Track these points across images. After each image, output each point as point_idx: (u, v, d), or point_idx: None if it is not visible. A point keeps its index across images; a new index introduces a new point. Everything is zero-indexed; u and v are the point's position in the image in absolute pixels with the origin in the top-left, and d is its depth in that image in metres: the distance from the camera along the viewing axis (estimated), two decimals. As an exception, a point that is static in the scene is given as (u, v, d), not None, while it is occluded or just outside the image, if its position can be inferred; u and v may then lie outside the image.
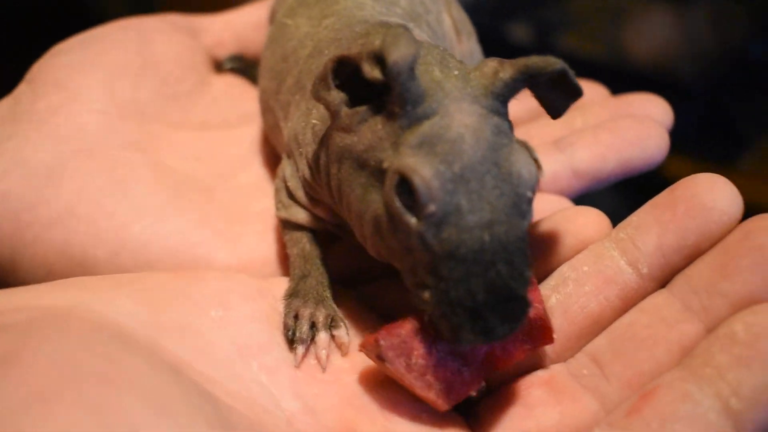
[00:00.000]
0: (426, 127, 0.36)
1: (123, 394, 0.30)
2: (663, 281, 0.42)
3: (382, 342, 0.38)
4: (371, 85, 0.37)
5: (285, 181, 0.46)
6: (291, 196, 0.46)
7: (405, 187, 0.36)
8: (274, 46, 0.50)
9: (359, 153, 0.38)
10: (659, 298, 0.41)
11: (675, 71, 1.34)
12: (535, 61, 0.38)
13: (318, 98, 0.40)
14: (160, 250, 0.46)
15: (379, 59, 0.36)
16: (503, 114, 0.39)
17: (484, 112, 0.37)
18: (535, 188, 0.37)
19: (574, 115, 0.56)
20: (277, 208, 0.47)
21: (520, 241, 0.36)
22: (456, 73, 0.39)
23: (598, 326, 0.42)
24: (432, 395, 0.38)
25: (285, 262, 0.47)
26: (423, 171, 0.35)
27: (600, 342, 0.42)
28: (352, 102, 0.39)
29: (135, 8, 0.71)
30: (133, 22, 0.56)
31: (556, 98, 0.41)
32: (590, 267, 0.43)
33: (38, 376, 0.29)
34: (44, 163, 0.47)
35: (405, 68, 0.36)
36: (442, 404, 0.38)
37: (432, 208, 0.35)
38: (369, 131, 0.38)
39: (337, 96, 0.39)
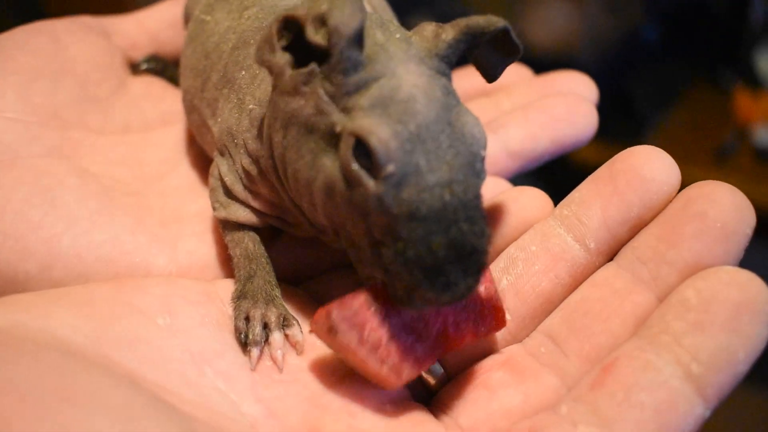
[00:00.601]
0: (375, 89, 0.36)
1: (88, 412, 0.29)
2: (610, 255, 0.43)
3: (334, 313, 0.37)
4: (317, 51, 0.37)
5: (221, 179, 0.45)
6: (228, 193, 0.45)
7: (362, 149, 0.35)
8: (194, 45, 0.49)
9: (307, 117, 0.37)
10: (608, 271, 0.42)
11: (574, 56, 1.37)
12: (477, 20, 0.38)
13: (262, 61, 0.38)
14: (94, 260, 0.44)
15: (324, 22, 0.35)
16: (448, 76, 0.39)
17: (431, 72, 0.37)
18: (485, 146, 0.37)
19: (501, 96, 0.57)
20: (215, 208, 0.45)
21: (477, 198, 0.36)
22: (398, 36, 0.38)
23: (550, 304, 0.42)
24: (384, 371, 0.37)
25: (226, 264, 0.46)
26: (380, 132, 0.35)
27: (554, 319, 0.42)
28: (297, 64, 0.38)
29: (22, 16, 0.68)
30: (43, 25, 0.53)
31: (494, 59, 0.41)
32: (538, 246, 0.43)
33: None
34: None
35: (349, 32, 0.35)
36: (394, 380, 0.37)
37: (391, 168, 0.34)
38: (316, 94, 0.37)
39: (282, 57, 0.38)
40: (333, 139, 0.36)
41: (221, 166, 0.45)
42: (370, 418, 0.38)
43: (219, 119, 0.45)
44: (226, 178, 0.44)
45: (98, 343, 0.35)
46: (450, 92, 0.37)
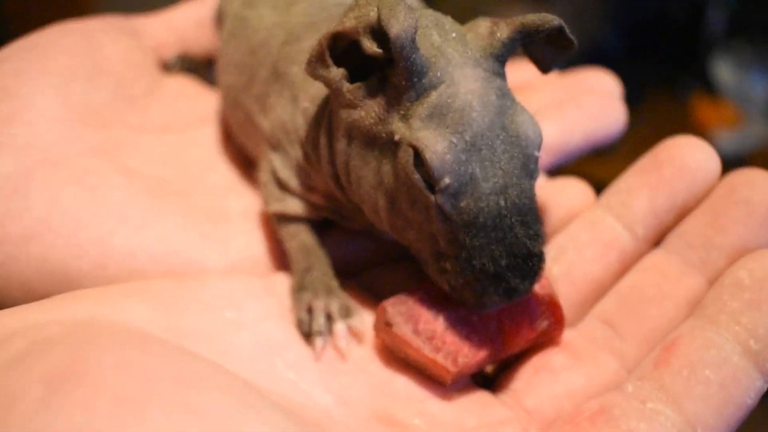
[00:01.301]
0: (434, 97, 0.37)
1: (210, 393, 0.29)
2: (656, 241, 0.44)
3: (389, 308, 0.39)
4: (369, 58, 0.37)
5: (275, 173, 0.45)
6: (283, 187, 0.45)
7: (420, 160, 0.36)
8: (236, 41, 0.49)
9: (368, 127, 0.38)
10: (657, 256, 0.44)
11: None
12: (532, 18, 0.39)
13: (315, 76, 0.39)
14: (147, 258, 0.44)
15: (378, 33, 0.36)
16: (503, 75, 0.40)
17: (486, 75, 0.38)
18: (540, 146, 0.39)
19: (530, 94, 0.58)
20: (268, 203, 0.45)
21: (531, 200, 0.38)
22: (454, 35, 0.39)
23: (602, 290, 0.44)
24: (440, 357, 0.39)
25: (276, 260, 0.46)
26: (436, 145, 0.36)
27: (607, 304, 0.43)
28: (351, 75, 0.39)
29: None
30: (74, 25, 0.52)
31: (549, 54, 0.43)
32: (588, 234, 0.45)
33: (119, 383, 0.28)
34: (6, 176, 0.44)
35: (407, 41, 0.36)
36: (450, 367, 0.39)
37: (447, 180, 0.36)
38: (375, 105, 0.38)
39: (337, 72, 0.38)
40: (394, 147, 0.38)
41: (275, 161, 0.45)
42: (437, 403, 0.39)
43: (271, 115, 0.45)
44: (280, 173, 0.45)
45: (173, 334, 0.35)
46: (505, 93, 0.38)
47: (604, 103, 0.57)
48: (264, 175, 0.46)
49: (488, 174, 0.36)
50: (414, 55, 0.36)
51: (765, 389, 0.37)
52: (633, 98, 1.62)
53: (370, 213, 0.40)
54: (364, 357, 0.41)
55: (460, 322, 0.39)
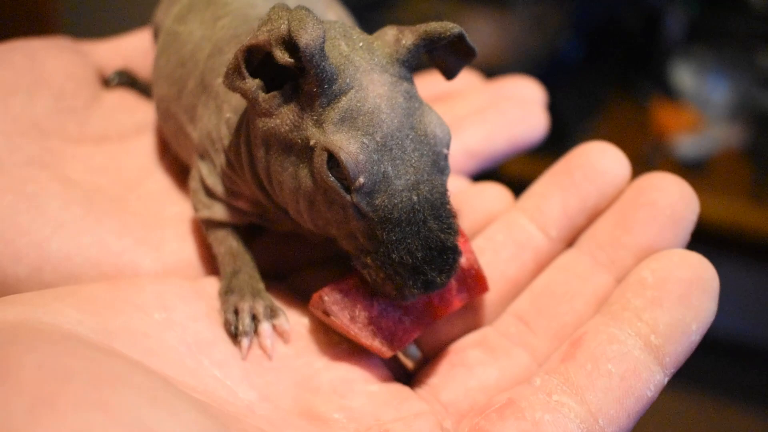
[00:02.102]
0: (344, 102, 0.39)
1: (123, 392, 0.31)
2: (569, 242, 0.47)
3: (326, 298, 0.41)
4: (284, 68, 0.39)
5: (202, 181, 0.47)
6: (210, 194, 0.47)
7: (334, 162, 0.38)
8: (167, 54, 0.51)
9: (284, 134, 0.40)
10: (569, 256, 0.46)
11: (501, 73, 1.41)
12: (434, 26, 0.41)
13: (233, 88, 0.41)
14: (83, 262, 0.46)
15: (289, 44, 0.38)
16: (410, 79, 0.42)
17: (393, 80, 0.40)
18: (449, 143, 0.41)
19: (457, 101, 0.60)
20: (197, 209, 0.47)
21: (443, 195, 0.40)
22: (361, 44, 0.41)
23: (517, 289, 0.46)
24: (376, 343, 0.41)
25: (208, 263, 0.48)
26: (349, 147, 0.38)
27: (522, 302, 0.45)
28: (267, 86, 0.40)
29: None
30: (19, 44, 0.54)
31: (452, 61, 0.44)
32: (504, 236, 0.47)
33: (37, 382, 0.29)
34: None
35: (317, 50, 0.38)
36: (386, 351, 0.41)
37: (362, 180, 0.38)
38: (290, 112, 0.40)
39: (252, 83, 0.40)
40: (310, 152, 0.40)
41: (202, 169, 0.47)
42: (358, 398, 0.41)
43: (198, 124, 0.47)
44: (207, 180, 0.46)
45: (104, 336, 0.37)
46: (412, 95, 0.41)
47: (525, 109, 0.59)
48: (193, 183, 0.48)
49: (400, 172, 0.39)
50: (323, 63, 0.38)
51: (665, 382, 0.39)
52: (593, 103, 1.64)
53: (295, 214, 0.42)
54: (289, 354, 0.43)
55: (391, 305, 0.42)
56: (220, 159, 0.45)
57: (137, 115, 0.57)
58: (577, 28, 1.52)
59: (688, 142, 1.43)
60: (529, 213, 0.47)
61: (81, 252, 0.46)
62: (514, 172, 1.27)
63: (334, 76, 0.39)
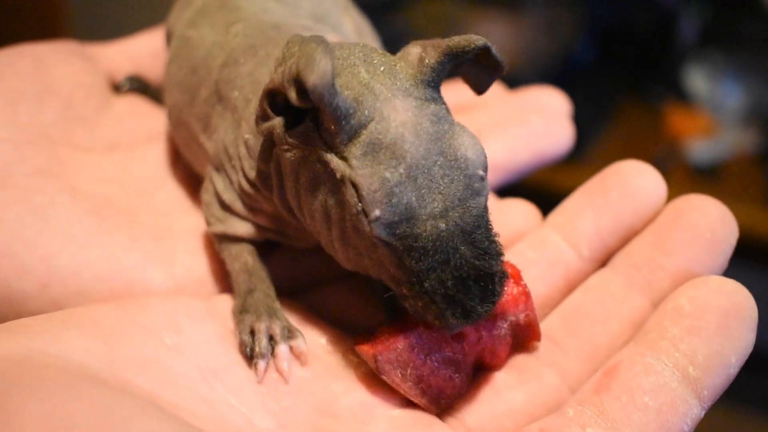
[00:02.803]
0: (365, 135, 0.37)
1: None
2: (601, 262, 0.45)
3: (379, 357, 0.39)
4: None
5: (218, 195, 0.45)
6: (225, 208, 0.45)
7: (360, 193, 0.36)
8: (179, 60, 0.49)
9: (312, 165, 0.38)
10: (603, 276, 0.44)
11: (514, 76, 1.40)
12: (457, 41, 0.39)
13: (261, 132, 0.40)
14: (91, 278, 0.44)
15: (300, 84, 0.36)
16: (437, 99, 0.39)
17: (418, 103, 0.38)
18: (485, 164, 0.38)
19: (479, 112, 0.58)
20: (211, 223, 0.45)
21: (478, 218, 0.37)
22: (382, 69, 0.39)
23: (546, 308, 0.44)
24: (425, 401, 0.39)
25: (221, 280, 0.46)
26: (370, 185, 0.36)
27: (552, 321, 0.44)
28: (295, 119, 0.39)
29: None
30: (26, 48, 0.53)
31: (480, 75, 0.42)
32: (534, 253, 0.45)
33: None
34: None
35: (325, 88, 0.35)
36: (434, 410, 0.40)
37: (377, 213, 0.36)
38: (314, 147, 0.38)
39: (278, 123, 0.39)
40: (338, 184, 0.38)
41: (217, 182, 0.45)
42: (379, 424, 0.39)
43: (214, 135, 0.45)
44: (224, 195, 0.44)
45: (112, 365, 0.35)
46: (441, 117, 0.38)
47: (550, 120, 0.57)
48: (207, 196, 0.46)
49: (426, 201, 0.36)
50: (335, 100, 0.36)
51: (702, 416, 0.37)
52: (606, 107, 1.63)
53: (326, 244, 0.40)
54: (306, 378, 0.40)
55: (445, 363, 0.40)
56: (238, 176, 0.44)
57: (148, 122, 0.55)
58: (590, 31, 1.51)
59: (701, 147, 1.41)
60: (561, 230, 0.45)
61: (90, 267, 0.44)
62: (528, 178, 1.26)
63: (351, 111, 0.37)
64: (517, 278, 0.42)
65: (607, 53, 1.54)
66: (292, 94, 0.37)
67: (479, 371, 0.41)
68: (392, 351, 0.39)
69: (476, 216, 0.37)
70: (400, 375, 0.39)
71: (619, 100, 1.55)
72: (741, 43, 1.48)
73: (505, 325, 0.41)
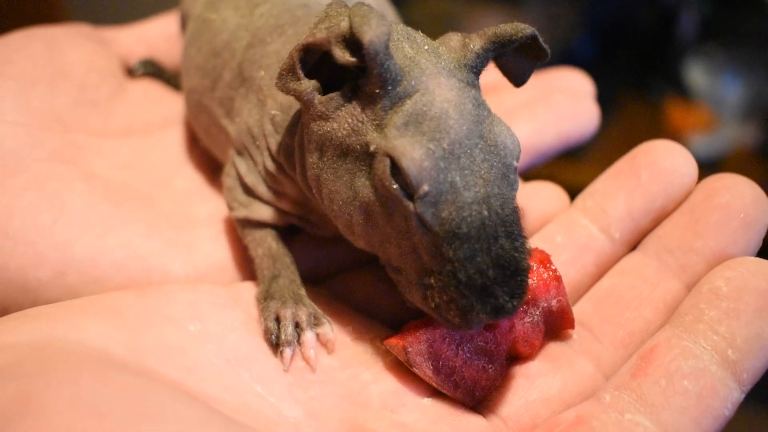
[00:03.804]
0: (409, 105, 0.35)
1: (166, 428, 0.28)
2: (632, 245, 0.43)
3: (409, 349, 0.38)
4: (342, 69, 0.36)
5: (241, 178, 0.44)
6: (249, 192, 0.44)
7: (397, 169, 0.34)
8: (198, 43, 0.48)
9: (341, 139, 0.37)
10: (634, 259, 0.43)
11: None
12: (505, 28, 0.38)
13: (286, 90, 0.37)
14: (109, 266, 0.42)
15: (351, 41, 0.35)
16: (477, 86, 0.38)
17: (461, 85, 0.37)
18: (519, 156, 0.37)
19: (503, 93, 0.57)
20: (233, 208, 0.44)
21: (514, 212, 0.36)
22: (426, 47, 0.38)
23: (577, 293, 0.43)
24: (459, 394, 0.38)
25: (242, 266, 0.45)
26: (413, 152, 0.34)
27: (584, 307, 0.42)
28: (324, 88, 0.37)
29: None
30: (38, 31, 0.51)
31: (522, 65, 0.41)
32: (563, 237, 0.44)
33: (69, 420, 0.27)
34: None
35: (381, 47, 0.34)
36: (469, 401, 0.39)
37: (425, 188, 0.34)
38: (348, 116, 0.36)
39: (308, 84, 0.37)
40: (369, 158, 0.36)
41: (240, 165, 0.44)
42: (410, 413, 0.38)
43: (237, 119, 0.44)
44: (246, 178, 0.43)
45: (137, 353, 0.34)
46: (481, 103, 0.37)
47: (576, 102, 0.56)
48: (229, 180, 0.45)
49: (469, 183, 0.35)
50: (388, 62, 0.35)
51: (741, 400, 0.36)
52: (606, 102, 1.62)
53: (344, 229, 0.39)
54: (334, 366, 0.39)
55: (477, 353, 0.38)
56: (263, 157, 0.42)
57: (164, 106, 0.54)
58: (591, 26, 1.50)
59: (701, 142, 1.41)
60: (590, 213, 0.44)
61: (107, 255, 0.43)
62: (529, 171, 1.25)
63: (399, 77, 0.35)
64: (548, 263, 0.40)
65: (608, 49, 1.53)
66: (338, 51, 0.35)
67: (513, 361, 0.40)
68: (423, 342, 0.38)
69: (513, 209, 0.36)
70: (432, 367, 0.38)
71: (620, 95, 1.54)
72: (741, 39, 1.48)
73: (538, 312, 0.40)
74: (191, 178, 0.51)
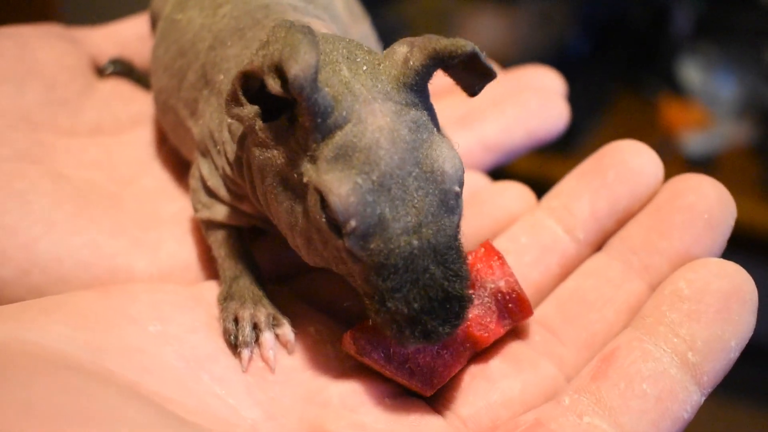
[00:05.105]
0: (339, 137, 0.35)
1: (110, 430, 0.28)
2: (597, 246, 0.43)
3: (357, 336, 0.38)
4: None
5: (203, 180, 0.44)
6: (211, 194, 0.43)
7: (326, 203, 0.34)
8: (166, 44, 0.48)
9: (280, 167, 0.37)
10: (599, 261, 0.43)
11: (506, 68, 1.39)
12: (445, 44, 0.36)
13: (231, 115, 0.37)
14: (73, 265, 0.42)
15: (281, 72, 0.34)
16: (419, 104, 0.37)
17: (397, 108, 0.36)
18: (461, 180, 0.36)
19: None
20: (197, 209, 0.44)
21: (451, 239, 0.36)
22: (365, 68, 0.37)
23: (541, 294, 0.43)
24: (415, 382, 0.38)
25: (207, 266, 0.45)
26: (339, 188, 0.34)
27: (547, 308, 0.42)
28: (267, 112, 0.36)
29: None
30: (7, 30, 0.51)
31: (471, 79, 0.39)
32: (528, 237, 0.44)
33: (18, 424, 0.27)
34: None
35: (307, 82, 0.33)
36: (427, 390, 0.38)
37: (353, 223, 0.34)
38: (286, 145, 0.36)
39: (250, 110, 0.36)
40: (305, 189, 0.36)
41: (203, 167, 0.44)
42: (370, 413, 0.38)
43: (200, 121, 0.44)
44: (209, 181, 0.43)
45: (96, 354, 0.34)
46: (420, 125, 0.36)
47: (545, 100, 0.56)
48: (193, 181, 0.45)
49: (399, 213, 0.34)
50: (315, 96, 0.34)
51: (701, 403, 0.36)
52: (600, 99, 1.62)
53: (293, 246, 0.39)
54: (294, 367, 0.39)
55: None
56: (222, 162, 0.42)
57: (133, 105, 0.54)
58: (584, 23, 1.50)
59: (695, 139, 1.40)
60: (555, 213, 0.44)
61: (72, 254, 0.43)
62: (522, 169, 1.25)
63: (329, 109, 0.35)
64: (489, 247, 0.40)
65: (601, 45, 1.53)
66: (271, 81, 0.34)
67: (474, 355, 0.40)
68: (370, 330, 0.38)
69: (449, 236, 0.35)
70: (383, 354, 0.38)
71: (614, 92, 1.54)
72: (735, 35, 1.47)
73: (486, 294, 0.40)
74: (159, 177, 0.50)
